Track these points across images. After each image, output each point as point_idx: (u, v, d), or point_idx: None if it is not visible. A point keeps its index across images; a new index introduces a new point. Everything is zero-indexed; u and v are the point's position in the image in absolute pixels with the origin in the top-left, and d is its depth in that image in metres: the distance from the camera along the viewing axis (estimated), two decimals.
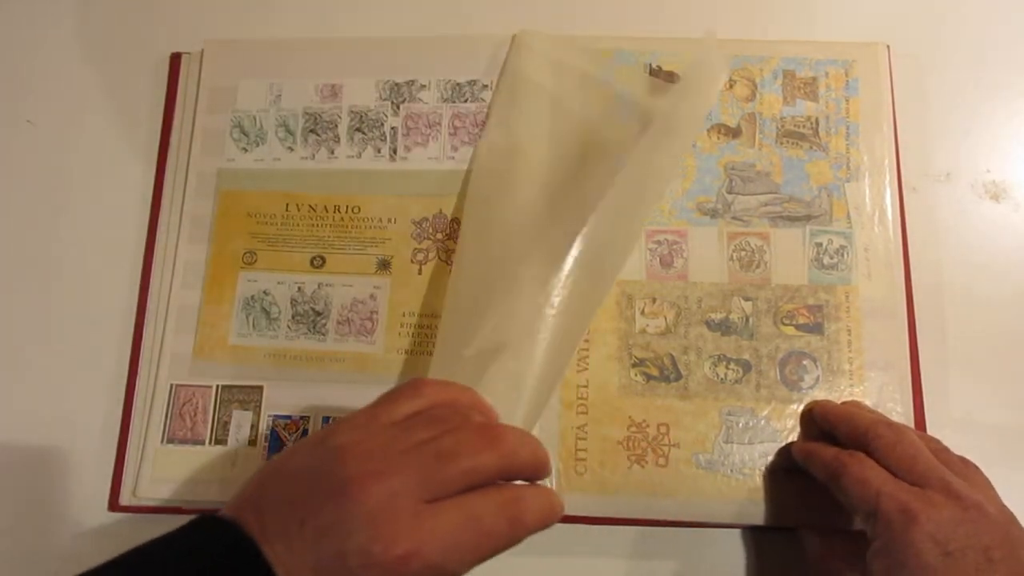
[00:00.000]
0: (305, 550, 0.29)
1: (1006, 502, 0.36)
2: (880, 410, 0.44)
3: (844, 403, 0.44)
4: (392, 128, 0.51)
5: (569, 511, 0.44)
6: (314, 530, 0.29)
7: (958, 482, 0.35)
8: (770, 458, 0.44)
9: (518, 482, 0.33)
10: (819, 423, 0.43)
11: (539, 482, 0.34)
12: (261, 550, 0.29)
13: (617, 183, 0.44)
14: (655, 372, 0.46)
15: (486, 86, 0.51)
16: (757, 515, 0.43)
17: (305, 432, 0.46)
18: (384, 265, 0.49)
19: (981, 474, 0.37)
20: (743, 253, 0.47)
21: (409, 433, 0.32)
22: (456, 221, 0.49)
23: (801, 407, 0.45)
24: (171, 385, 0.47)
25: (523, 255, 0.44)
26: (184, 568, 0.29)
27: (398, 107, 0.51)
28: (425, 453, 0.31)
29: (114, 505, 0.46)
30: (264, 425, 0.46)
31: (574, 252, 0.43)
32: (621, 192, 0.44)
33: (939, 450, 0.38)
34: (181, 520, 0.45)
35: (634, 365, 0.46)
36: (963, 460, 0.38)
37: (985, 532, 0.33)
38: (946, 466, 0.36)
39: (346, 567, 0.28)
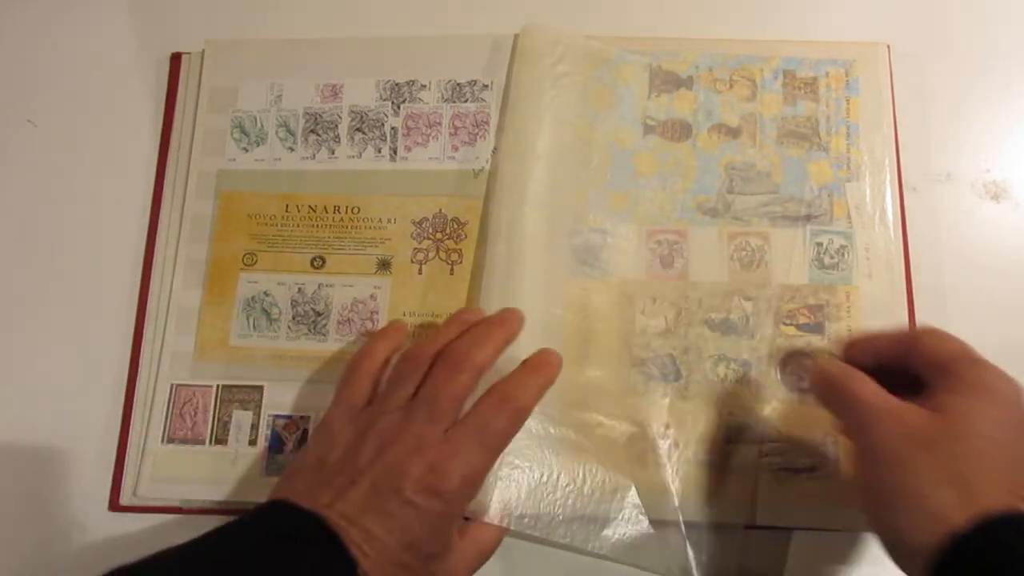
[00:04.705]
0: (362, 502, 0.35)
1: None
2: None
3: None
4: (392, 128, 0.51)
5: None
6: (368, 485, 0.35)
7: None
8: (770, 458, 0.44)
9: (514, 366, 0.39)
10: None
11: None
12: (321, 515, 0.34)
13: None
14: (655, 372, 0.46)
15: (486, 86, 0.51)
16: (757, 515, 0.43)
17: (305, 432, 0.46)
18: (384, 265, 0.49)
19: None
20: (743, 253, 0.47)
21: (392, 401, 0.39)
22: (456, 221, 0.49)
23: (802, 407, 0.45)
24: (171, 385, 0.47)
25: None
26: (257, 544, 0.34)
27: (398, 107, 0.51)
28: (416, 407, 0.38)
29: (114, 505, 0.46)
30: (264, 425, 0.46)
31: None
32: None
33: None
34: (181, 520, 0.46)
35: (634, 365, 0.46)
36: None
37: None
38: None
39: (405, 500, 0.35)
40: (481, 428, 0.37)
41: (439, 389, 0.38)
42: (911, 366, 0.38)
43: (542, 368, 0.39)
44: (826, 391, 0.38)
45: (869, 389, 0.36)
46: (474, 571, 0.39)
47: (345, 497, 0.35)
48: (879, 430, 0.34)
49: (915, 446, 0.33)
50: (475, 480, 0.37)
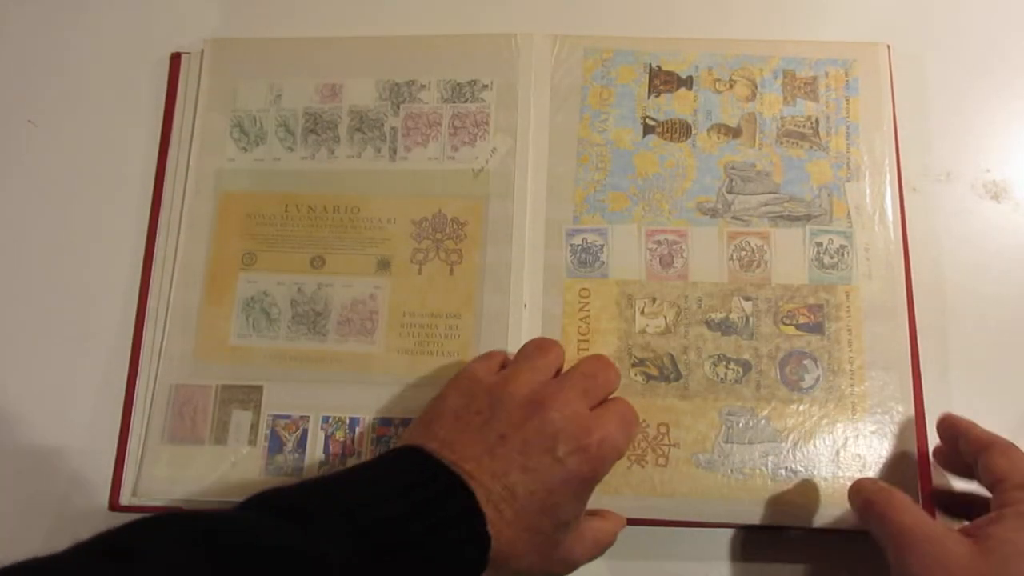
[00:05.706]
0: (509, 458, 0.36)
1: None
2: (880, 410, 0.44)
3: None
4: (392, 128, 0.51)
5: None
6: (520, 442, 0.36)
7: None
8: (771, 458, 0.44)
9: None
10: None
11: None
12: (453, 468, 0.35)
13: None
14: (655, 372, 0.46)
15: (486, 86, 0.51)
16: (757, 515, 0.43)
17: (305, 432, 0.46)
18: (384, 265, 0.49)
19: None
20: (743, 253, 0.47)
21: (534, 366, 0.40)
22: (456, 221, 0.49)
23: (802, 407, 0.45)
24: (171, 385, 0.47)
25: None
26: (388, 482, 0.35)
27: (398, 107, 0.51)
28: (574, 378, 0.40)
29: (114, 505, 0.46)
30: (264, 425, 0.46)
31: None
32: None
33: None
34: None
35: (634, 365, 0.46)
36: None
37: None
38: None
39: (556, 459, 0.36)
40: (622, 415, 0.40)
41: (597, 371, 0.41)
42: (979, 477, 0.39)
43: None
44: (865, 512, 0.38)
45: (909, 514, 0.36)
46: (589, 559, 0.40)
47: (494, 453, 0.36)
48: (916, 557, 0.34)
49: None
50: (615, 457, 0.38)
